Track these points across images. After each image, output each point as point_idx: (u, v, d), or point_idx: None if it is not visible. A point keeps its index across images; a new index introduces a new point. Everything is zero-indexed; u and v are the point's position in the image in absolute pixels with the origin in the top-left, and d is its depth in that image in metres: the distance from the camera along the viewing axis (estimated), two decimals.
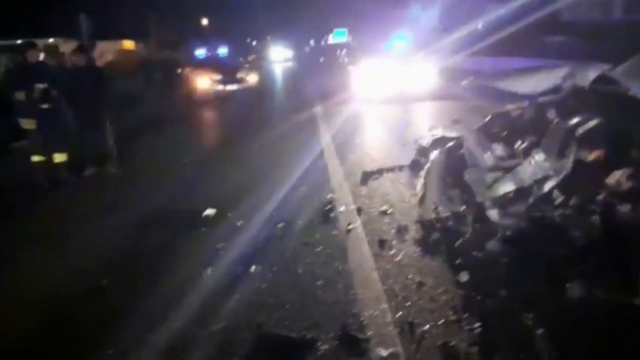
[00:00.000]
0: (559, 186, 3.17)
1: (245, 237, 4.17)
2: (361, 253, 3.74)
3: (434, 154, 4.39)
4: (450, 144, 4.43)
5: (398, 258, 3.62)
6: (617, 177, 3.11)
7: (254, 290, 3.32)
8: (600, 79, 3.15)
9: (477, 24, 22.11)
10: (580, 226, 3.13)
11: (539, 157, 3.17)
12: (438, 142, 6.50)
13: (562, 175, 3.15)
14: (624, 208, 3.04)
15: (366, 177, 5.59)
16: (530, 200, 3.24)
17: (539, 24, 19.99)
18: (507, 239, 3.29)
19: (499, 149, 3.53)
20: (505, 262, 3.26)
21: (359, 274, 3.42)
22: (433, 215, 3.81)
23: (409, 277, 3.35)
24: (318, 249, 3.83)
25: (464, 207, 3.69)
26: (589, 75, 3.16)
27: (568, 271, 3.03)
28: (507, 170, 3.33)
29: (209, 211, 4.73)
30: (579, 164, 3.16)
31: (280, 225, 4.33)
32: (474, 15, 21.52)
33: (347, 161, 6.37)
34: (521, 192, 3.28)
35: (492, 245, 3.34)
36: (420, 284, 3.23)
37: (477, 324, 2.78)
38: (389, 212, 4.51)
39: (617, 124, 3.14)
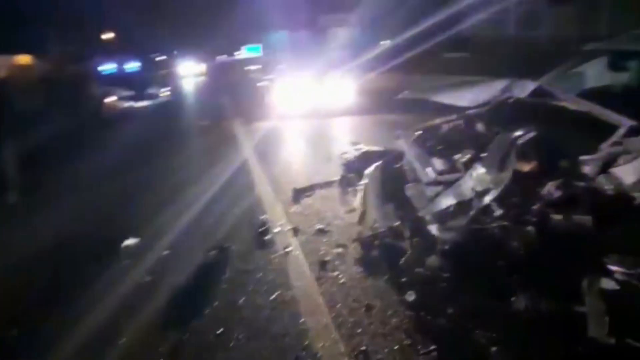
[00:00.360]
0: (498, 198, 3.20)
1: (174, 268, 3.85)
2: (303, 277, 3.57)
3: (369, 170, 4.33)
4: (385, 158, 4.40)
5: (342, 280, 3.49)
6: (548, 187, 3.20)
7: (192, 329, 3.03)
8: (537, 92, 3.24)
9: (388, 43, 22.99)
10: (517, 237, 3.17)
11: (480, 170, 3.18)
12: (364, 157, 6.55)
13: (501, 188, 3.18)
14: (557, 217, 3.13)
15: (297, 195, 5.44)
16: (471, 213, 3.24)
17: (441, 42, 21.13)
18: (446, 253, 3.27)
19: (438, 163, 3.52)
20: (447, 277, 3.24)
21: (304, 301, 3.25)
22: (372, 232, 3.72)
23: (356, 299, 3.23)
24: (258, 276, 3.61)
25: (404, 222, 3.65)
26: (527, 87, 3.24)
27: (511, 283, 3.06)
28: (448, 184, 3.32)
29: (130, 241, 4.33)
30: (516, 175, 3.22)
31: (213, 252, 4.05)
32: (387, 33, 22.33)
33: (275, 179, 6.18)
34: (462, 206, 3.27)
35: (433, 260, 3.31)
36: (369, 307, 3.12)
37: (432, 347, 2.71)
38: (326, 230, 4.38)
39: (551, 135, 3.24)
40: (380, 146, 6.98)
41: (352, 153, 7.00)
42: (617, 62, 4.26)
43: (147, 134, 10.15)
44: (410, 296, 3.18)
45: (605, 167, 3.18)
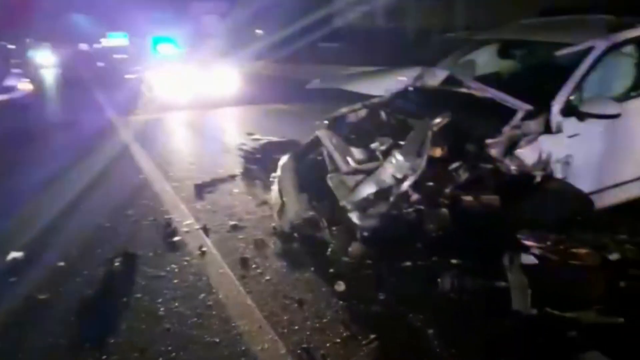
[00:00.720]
0: (414, 184, 3.28)
1: (74, 282, 3.42)
2: (225, 278, 3.38)
3: (282, 161, 4.21)
4: (297, 149, 4.32)
5: (267, 277, 3.36)
6: (457, 170, 3.36)
7: (109, 347, 2.71)
8: (449, 80, 3.35)
9: (262, 33, 22.92)
10: (432, 220, 3.29)
11: (398, 157, 3.23)
12: (265, 148, 6.43)
13: (417, 174, 3.26)
14: (468, 199, 3.29)
15: (200, 190, 5.16)
16: (391, 199, 3.29)
17: (316, 32, 21.55)
18: (366, 240, 3.29)
19: (357, 152, 3.53)
20: (371, 264, 3.28)
21: (231, 303, 3.07)
22: (293, 225, 3.63)
23: (286, 295, 3.13)
24: (175, 282, 3.34)
25: (322, 213, 3.61)
26: (439, 75, 3.33)
27: (435, 264, 3.17)
28: (369, 172, 3.33)
29: (15, 254, 3.78)
30: (431, 161, 3.33)
31: (118, 260, 3.67)
32: (261, 22, 22.19)
33: (171, 175, 5.80)
34: (382, 193, 3.31)
35: (355, 248, 3.32)
36: (301, 302, 3.04)
37: (372, 336, 2.70)
38: (240, 226, 4.20)
39: (459, 121, 3.38)
40: (277, 136, 6.92)
41: (250, 144, 6.85)
42: (505, 51, 4.60)
43: (11, 133, 8.96)
44: (340, 286, 3.15)
45: (510, 149, 3.42)
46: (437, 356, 2.56)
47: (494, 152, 3.38)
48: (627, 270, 3.08)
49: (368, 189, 3.29)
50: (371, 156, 3.48)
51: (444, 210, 3.31)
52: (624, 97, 3.72)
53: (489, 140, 3.38)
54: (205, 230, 4.15)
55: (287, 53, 18.46)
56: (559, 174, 3.43)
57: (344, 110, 4.44)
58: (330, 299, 3.04)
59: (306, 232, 3.54)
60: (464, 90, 3.64)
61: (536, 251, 2.97)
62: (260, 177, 5.52)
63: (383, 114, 4.30)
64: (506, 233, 3.23)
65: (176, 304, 3.08)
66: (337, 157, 3.49)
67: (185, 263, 3.61)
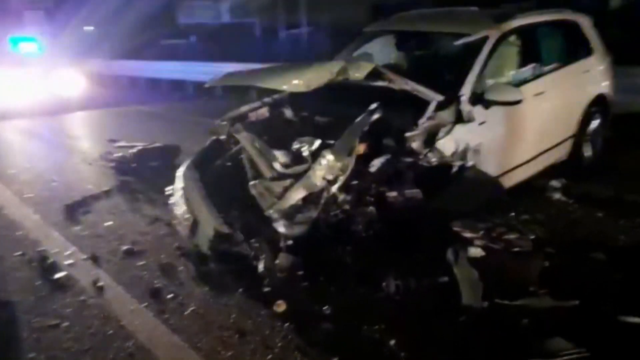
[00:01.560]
0: (343, 184, 3.08)
1: None
2: (140, 315, 2.83)
3: (180, 170, 3.70)
4: (195, 156, 3.83)
5: (191, 307, 2.89)
6: (376, 166, 3.23)
7: None
8: (371, 73, 3.18)
9: (92, 29, 21.02)
10: (359, 220, 3.14)
11: (329, 157, 2.99)
12: (140, 155, 5.73)
13: (347, 174, 3.06)
14: (392, 194, 3.19)
15: (73, 212, 4.37)
16: (321, 203, 3.04)
17: (158, 28, 20.40)
18: (291, 250, 3.02)
19: (280, 155, 3.20)
20: (303, 275, 3.02)
21: (157, 346, 2.56)
22: (211, 242, 3.18)
23: (221, 326, 2.71)
24: (76, 330, 2.70)
25: (240, 225, 3.23)
26: (363, 69, 3.14)
27: (375, 268, 3.01)
28: (297, 176, 3.04)
29: None
30: (358, 159, 3.15)
31: None
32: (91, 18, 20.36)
33: (32, 197, 4.85)
34: (312, 198, 3.04)
35: (282, 259, 3.02)
36: (242, 332, 2.65)
37: (336, 359, 2.43)
38: (136, 251, 3.60)
39: (385, 117, 3.25)
40: (146, 142, 6.22)
41: (118, 152, 6.07)
42: (401, 42, 4.59)
43: None
44: (281, 306, 2.84)
45: (430, 140, 3.38)
46: None
47: (415, 145, 3.31)
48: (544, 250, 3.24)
49: (298, 195, 3.00)
50: (297, 158, 3.18)
51: (371, 208, 3.17)
52: (517, 84, 3.92)
53: (408, 134, 3.31)
54: (95, 259, 3.49)
55: (127, 50, 17.08)
56: (471, 162, 3.47)
57: (243, 109, 4.06)
58: (274, 323, 2.70)
59: (226, 249, 3.13)
60: (377, 83, 3.51)
61: (479, 242, 2.96)
62: (142, 190, 4.89)
63: (289, 112, 4.03)
64: (438, 226, 3.20)
65: (83, 358, 2.48)
66: (260, 162, 3.12)
67: (82, 304, 2.96)
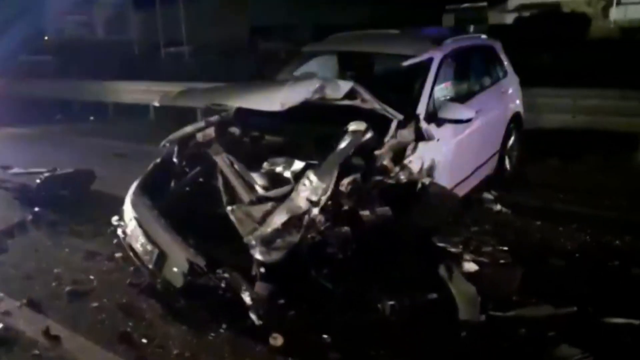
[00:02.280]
0: (324, 206, 3.01)
1: None
2: None
3: (129, 197, 3.34)
4: (142, 181, 3.47)
5: (175, 350, 2.59)
6: (347, 184, 3.21)
7: None
8: (350, 93, 3.13)
9: None
10: (335, 241, 3.08)
11: (313, 178, 2.89)
12: (47, 182, 5.05)
13: (328, 194, 2.99)
14: (364, 213, 3.18)
15: None
16: (303, 226, 2.92)
17: (24, 45, 18.61)
18: (266, 277, 2.89)
19: (258, 178, 3.01)
20: (284, 303, 2.88)
21: None
22: (186, 276, 2.88)
23: None
24: None
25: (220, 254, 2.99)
26: (341, 88, 3.09)
27: (366, 290, 2.95)
28: (279, 199, 2.88)
29: None
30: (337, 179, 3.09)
31: None
32: None
33: None
34: (293, 221, 2.91)
35: (259, 288, 2.86)
36: None
37: None
38: (81, 291, 3.16)
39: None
40: (42, 167, 5.55)
41: (16, 180, 5.35)
42: (343, 62, 4.62)
43: None
44: (277, 340, 2.65)
45: (397, 158, 3.42)
46: None
47: (386, 162, 3.35)
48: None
49: (280, 219, 2.85)
50: (274, 180, 3.03)
51: (346, 229, 3.11)
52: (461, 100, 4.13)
53: (377, 152, 3.33)
54: (34, 305, 3.00)
55: None
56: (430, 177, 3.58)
57: (188, 129, 3.81)
58: (276, 359, 2.51)
59: (204, 282, 2.87)
60: (343, 102, 3.47)
61: (468, 257, 3.03)
62: (61, 221, 4.34)
63: (235, 130, 3.84)
64: (418, 243, 3.24)
65: None
66: (238, 185, 2.91)
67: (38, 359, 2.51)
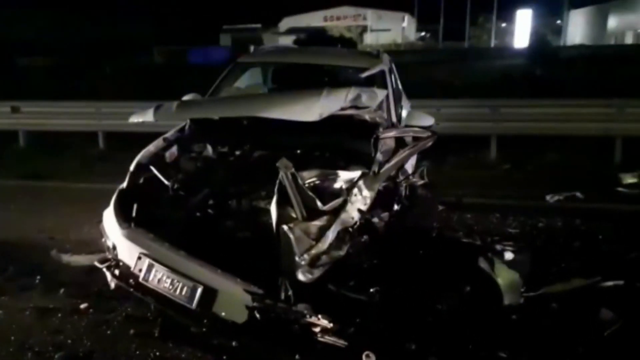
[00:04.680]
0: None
1: None
2: None
3: (124, 235, 2.70)
4: (114, 213, 2.83)
5: None
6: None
7: None
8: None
9: None
10: (356, 251, 3.02)
11: (362, 187, 2.78)
12: None
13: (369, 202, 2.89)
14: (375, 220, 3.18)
15: None
16: (349, 238, 2.77)
17: None
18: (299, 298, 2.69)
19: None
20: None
21: None
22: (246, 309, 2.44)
23: None
24: None
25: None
26: (377, 97, 3.02)
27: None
28: (335, 212, 2.67)
29: None
30: None
31: None
32: None
33: None
34: (341, 234, 2.74)
35: (302, 307, 2.63)
36: None
37: None
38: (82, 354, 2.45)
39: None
40: None
41: None
42: (276, 74, 4.46)
43: None
44: (371, 358, 2.44)
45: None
46: None
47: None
48: None
49: (335, 233, 2.65)
50: (332, 193, 2.80)
51: (365, 237, 3.04)
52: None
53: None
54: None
55: None
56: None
57: (151, 149, 3.28)
58: None
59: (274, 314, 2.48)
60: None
61: (501, 247, 3.23)
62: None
63: (205, 147, 3.45)
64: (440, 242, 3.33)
65: None
66: (295, 201, 2.58)
67: None
